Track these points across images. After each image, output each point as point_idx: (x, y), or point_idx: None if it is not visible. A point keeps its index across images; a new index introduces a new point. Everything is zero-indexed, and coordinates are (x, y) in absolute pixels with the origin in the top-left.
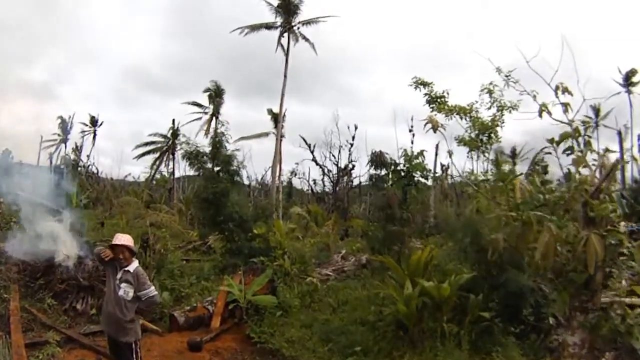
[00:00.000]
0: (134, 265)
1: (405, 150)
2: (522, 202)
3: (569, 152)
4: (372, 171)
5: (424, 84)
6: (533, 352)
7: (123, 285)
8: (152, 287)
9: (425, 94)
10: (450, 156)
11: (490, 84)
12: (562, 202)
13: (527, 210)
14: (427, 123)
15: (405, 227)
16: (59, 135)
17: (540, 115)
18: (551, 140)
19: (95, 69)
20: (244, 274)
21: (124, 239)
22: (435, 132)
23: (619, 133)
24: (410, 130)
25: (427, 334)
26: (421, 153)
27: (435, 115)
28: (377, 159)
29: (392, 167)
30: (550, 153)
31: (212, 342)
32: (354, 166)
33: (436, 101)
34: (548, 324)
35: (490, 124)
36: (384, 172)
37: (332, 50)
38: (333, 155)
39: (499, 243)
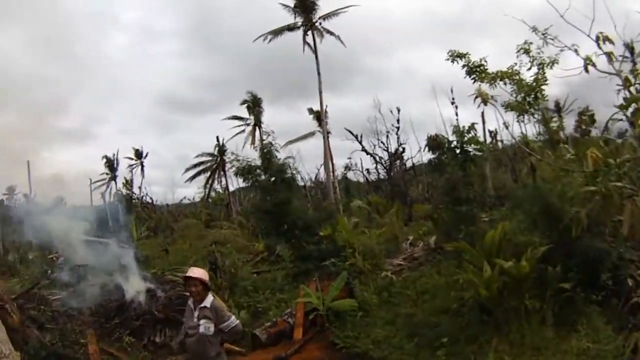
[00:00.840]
0: (210, 299)
1: (456, 126)
2: (598, 171)
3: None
4: (430, 155)
5: (460, 56)
6: (616, 317)
7: (202, 322)
8: (233, 317)
9: (464, 66)
10: (507, 128)
11: (525, 42)
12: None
13: (606, 181)
14: (476, 97)
15: (474, 207)
16: (107, 173)
17: (586, 70)
18: (620, 106)
19: (126, 103)
20: (319, 279)
21: (198, 272)
22: (485, 104)
23: None
24: (453, 103)
25: (511, 314)
26: (472, 126)
27: (480, 85)
28: (434, 142)
29: (447, 146)
30: (621, 119)
31: (297, 355)
32: (404, 149)
33: (476, 71)
34: (627, 286)
35: (534, 84)
36: (441, 154)
37: (357, 38)
38: (382, 142)
39: (582, 219)
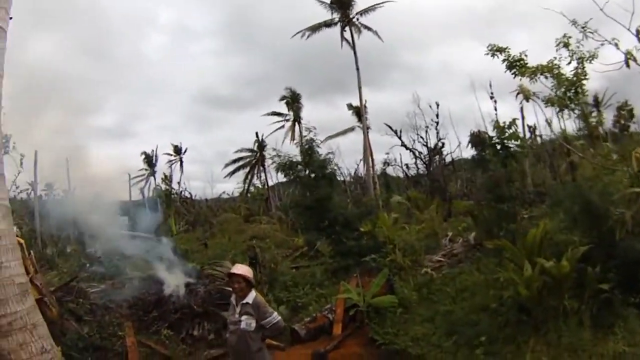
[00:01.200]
0: (252, 296)
1: (496, 122)
2: None
3: None
4: (472, 151)
5: (500, 50)
6: None
7: (244, 317)
8: (275, 314)
9: (504, 60)
10: (549, 124)
11: (564, 36)
12: None
13: None
14: (518, 93)
15: (517, 205)
16: (145, 169)
17: (627, 65)
18: None
19: (165, 101)
20: (360, 275)
21: (242, 269)
22: (527, 101)
23: None
24: (492, 97)
25: (549, 314)
26: (513, 122)
27: (520, 80)
28: (476, 139)
29: (489, 142)
30: None
31: (336, 351)
32: (443, 144)
33: (516, 65)
34: None
35: (575, 78)
36: (482, 150)
37: (395, 33)
38: (421, 137)
39: (627, 221)
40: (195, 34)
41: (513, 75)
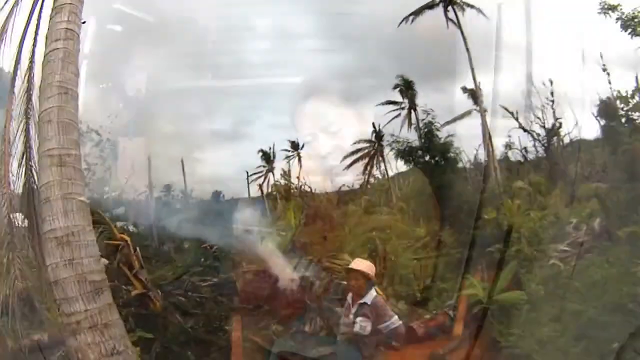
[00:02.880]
0: (371, 296)
1: (618, 91)
2: None
3: None
4: (599, 128)
5: (612, 8)
6: None
7: (359, 319)
8: (395, 318)
9: (617, 19)
10: None
11: None
12: None
13: None
14: None
15: None
16: (263, 166)
17: None
18: None
19: (274, 101)
20: (485, 268)
21: (362, 264)
22: None
23: None
24: (604, 70)
25: None
26: (637, 90)
27: None
28: (605, 112)
29: (619, 113)
30: None
31: (455, 352)
32: (560, 124)
33: (630, 24)
34: None
35: None
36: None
37: (495, 10)
38: (538, 117)
39: None
40: (295, 35)
41: (630, 36)
